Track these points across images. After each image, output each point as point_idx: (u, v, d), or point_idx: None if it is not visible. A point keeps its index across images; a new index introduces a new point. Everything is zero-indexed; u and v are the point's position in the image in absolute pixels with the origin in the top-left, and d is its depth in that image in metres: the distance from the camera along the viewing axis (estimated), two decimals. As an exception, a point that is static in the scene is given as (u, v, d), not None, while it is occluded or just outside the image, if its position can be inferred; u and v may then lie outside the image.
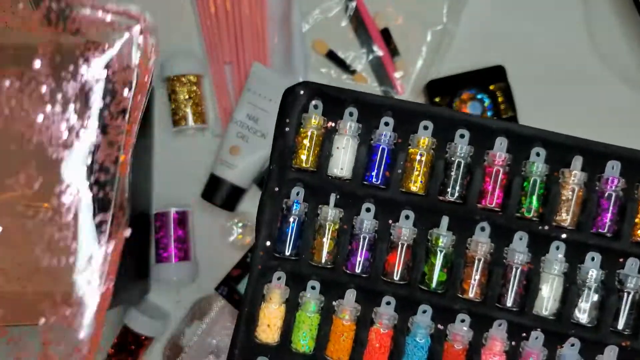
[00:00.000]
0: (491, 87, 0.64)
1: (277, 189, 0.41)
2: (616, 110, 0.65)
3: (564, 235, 0.40)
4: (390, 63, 0.65)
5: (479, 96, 0.63)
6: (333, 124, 0.41)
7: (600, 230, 0.40)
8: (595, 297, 0.40)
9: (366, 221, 0.41)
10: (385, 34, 0.65)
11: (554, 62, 0.65)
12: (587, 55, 0.65)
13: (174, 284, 0.62)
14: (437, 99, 0.63)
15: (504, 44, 0.65)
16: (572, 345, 0.41)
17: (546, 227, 0.40)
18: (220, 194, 0.59)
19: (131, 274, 0.58)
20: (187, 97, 0.62)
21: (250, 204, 0.61)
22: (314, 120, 0.41)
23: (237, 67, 0.63)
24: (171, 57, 0.62)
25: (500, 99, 0.64)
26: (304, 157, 0.41)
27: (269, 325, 0.41)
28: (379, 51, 0.65)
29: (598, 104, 0.65)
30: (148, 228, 0.62)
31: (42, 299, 0.48)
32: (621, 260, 0.40)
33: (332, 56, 0.63)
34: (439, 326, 0.41)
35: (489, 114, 0.63)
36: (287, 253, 0.41)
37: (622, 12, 0.64)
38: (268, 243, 0.41)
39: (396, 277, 0.41)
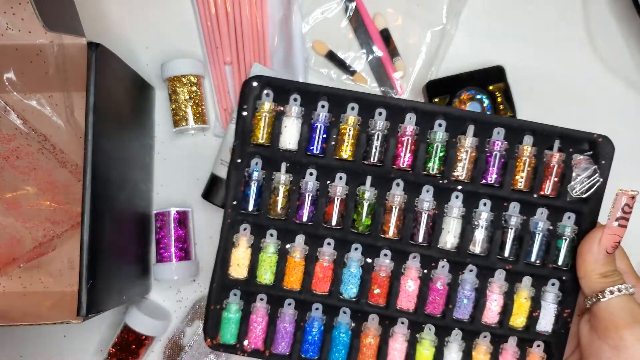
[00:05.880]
0: (490, 88, 0.63)
1: (239, 160, 0.53)
2: (615, 110, 0.65)
3: (460, 187, 0.52)
4: (390, 64, 0.64)
5: (478, 97, 0.63)
6: (282, 108, 0.53)
7: (488, 181, 0.52)
8: (485, 233, 0.52)
9: (309, 182, 0.53)
10: (385, 35, 0.64)
11: (553, 63, 0.64)
12: (586, 55, 0.64)
13: (174, 284, 0.62)
14: (436, 100, 0.62)
15: (503, 45, 0.64)
16: (471, 270, 0.53)
17: (446, 181, 0.52)
18: (221, 194, 0.60)
19: (132, 273, 0.58)
20: (187, 97, 0.61)
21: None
22: (266, 105, 0.53)
23: (238, 68, 0.63)
24: (172, 58, 0.61)
25: (499, 100, 0.63)
26: (259, 135, 0.53)
27: (238, 264, 0.54)
28: (378, 52, 0.64)
29: (597, 104, 0.64)
30: (148, 228, 0.62)
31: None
32: (505, 204, 0.52)
33: (332, 57, 0.61)
34: (368, 260, 0.54)
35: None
36: (250, 209, 0.53)
37: (621, 13, 0.63)
38: (235, 202, 0.53)
39: (333, 224, 0.53)
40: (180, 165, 0.64)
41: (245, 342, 0.54)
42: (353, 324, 0.54)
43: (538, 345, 0.53)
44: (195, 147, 0.64)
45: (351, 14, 0.62)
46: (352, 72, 0.64)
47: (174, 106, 0.62)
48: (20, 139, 0.59)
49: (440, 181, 0.52)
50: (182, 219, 0.61)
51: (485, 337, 0.53)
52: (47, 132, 0.60)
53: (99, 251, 0.49)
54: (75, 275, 0.48)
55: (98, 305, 0.48)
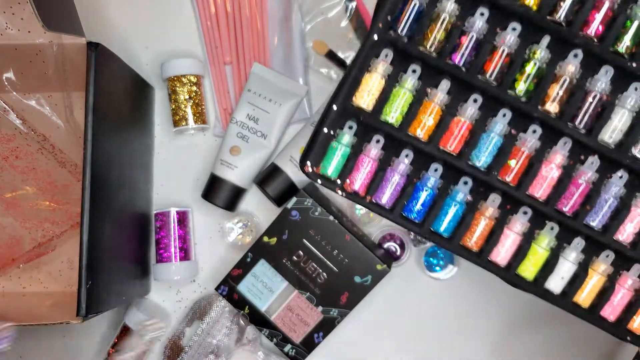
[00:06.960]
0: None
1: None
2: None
3: (647, 77, 0.45)
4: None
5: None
6: None
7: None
8: (656, 139, 0.45)
9: (478, 21, 0.45)
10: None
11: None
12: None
13: (174, 284, 0.63)
14: None
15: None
16: (621, 177, 0.46)
17: (633, 65, 0.45)
18: (221, 194, 0.59)
19: (132, 273, 0.59)
20: (187, 97, 0.61)
21: (250, 204, 0.62)
22: None
23: (238, 68, 0.63)
24: (172, 58, 0.61)
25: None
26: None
27: (368, 92, 0.46)
28: (379, 51, 0.62)
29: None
30: (148, 228, 0.62)
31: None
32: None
33: (332, 56, 0.60)
34: (513, 131, 0.46)
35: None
36: (402, 32, 0.46)
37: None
38: (389, 18, 0.45)
39: (490, 77, 0.46)
40: (180, 165, 0.64)
41: (347, 181, 0.47)
42: (469, 197, 0.47)
43: (660, 283, 0.47)
44: (195, 147, 0.64)
45: (351, 14, 0.61)
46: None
47: (173, 106, 0.61)
48: (19, 138, 0.60)
49: (628, 64, 0.45)
50: (182, 219, 0.61)
51: (607, 256, 0.47)
52: (46, 132, 0.60)
53: (99, 251, 0.50)
54: (75, 275, 0.49)
55: (98, 305, 0.49)
